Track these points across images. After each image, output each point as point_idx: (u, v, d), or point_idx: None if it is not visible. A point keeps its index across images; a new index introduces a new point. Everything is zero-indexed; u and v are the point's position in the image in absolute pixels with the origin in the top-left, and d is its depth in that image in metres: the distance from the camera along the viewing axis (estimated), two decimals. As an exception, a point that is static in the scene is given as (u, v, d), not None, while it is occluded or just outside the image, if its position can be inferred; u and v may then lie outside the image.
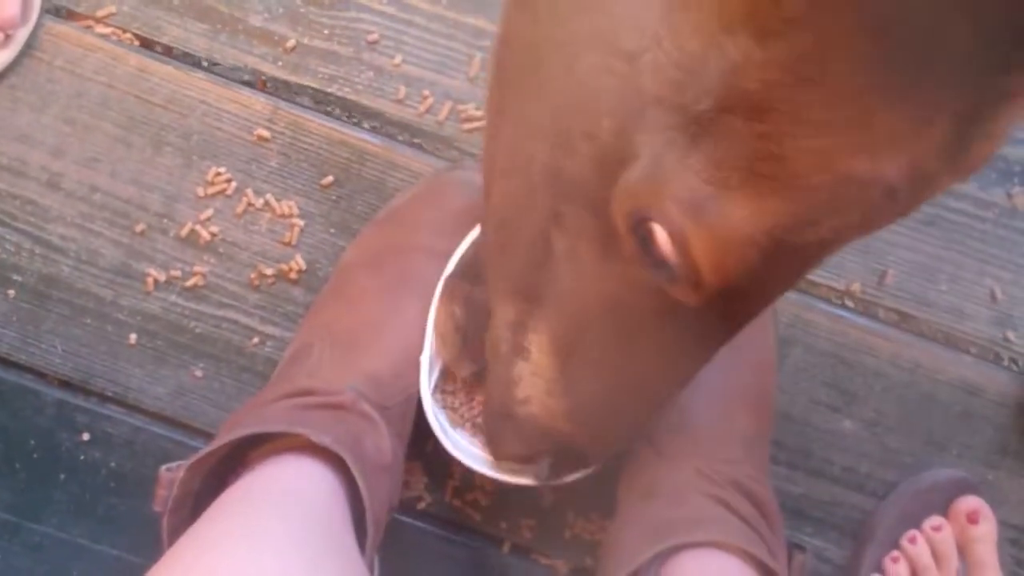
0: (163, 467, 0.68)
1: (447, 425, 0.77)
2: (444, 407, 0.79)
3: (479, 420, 0.80)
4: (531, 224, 0.54)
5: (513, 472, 0.76)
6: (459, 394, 0.80)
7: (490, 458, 0.78)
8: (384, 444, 0.73)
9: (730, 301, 0.47)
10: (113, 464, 0.87)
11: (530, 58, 0.49)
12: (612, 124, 0.44)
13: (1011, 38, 0.35)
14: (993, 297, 0.85)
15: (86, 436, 0.87)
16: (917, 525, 0.83)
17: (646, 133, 0.43)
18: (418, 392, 0.76)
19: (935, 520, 0.83)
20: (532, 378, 0.59)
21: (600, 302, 0.53)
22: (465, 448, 0.77)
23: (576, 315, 0.54)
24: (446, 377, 0.79)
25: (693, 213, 0.42)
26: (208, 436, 0.86)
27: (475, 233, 0.74)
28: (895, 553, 0.83)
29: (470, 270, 0.70)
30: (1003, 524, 0.84)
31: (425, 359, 0.75)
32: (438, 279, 0.74)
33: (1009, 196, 0.85)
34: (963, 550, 0.82)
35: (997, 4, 0.33)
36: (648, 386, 0.56)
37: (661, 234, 0.44)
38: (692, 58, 0.40)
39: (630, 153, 0.44)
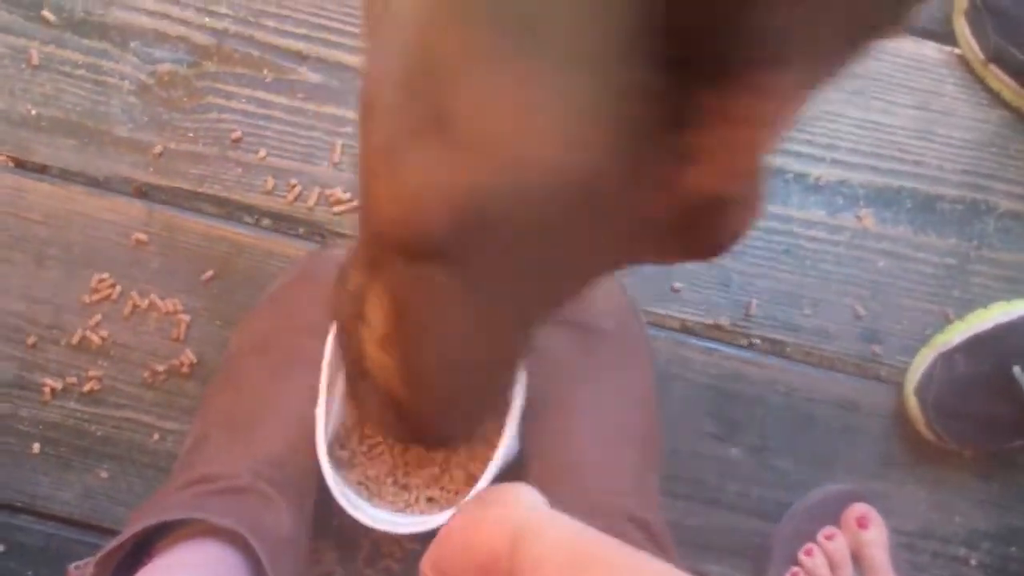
0: (71, 565, 0.71)
1: (343, 484, 0.80)
2: (341, 466, 0.81)
3: (374, 475, 0.83)
4: None
5: (410, 523, 0.78)
6: (357, 453, 0.83)
7: (384, 514, 0.80)
8: (284, 518, 0.75)
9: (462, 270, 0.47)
10: (30, 573, 0.89)
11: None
12: None
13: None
14: (856, 315, 0.89)
15: (0, 548, 0.89)
16: (812, 540, 0.87)
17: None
18: (315, 465, 0.79)
19: (828, 529, 0.86)
20: (371, 343, 0.59)
21: (405, 276, 0.52)
22: (361, 506, 0.79)
23: (394, 284, 0.54)
24: (343, 439, 0.82)
25: (387, 155, 0.43)
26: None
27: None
28: (794, 569, 0.86)
29: None
30: (896, 532, 0.87)
31: (320, 412, 0.77)
32: (321, 354, 0.77)
33: (858, 218, 0.89)
34: (857, 556, 0.85)
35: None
36: (463, 356, 0.57)
37: None
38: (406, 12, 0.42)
39: None
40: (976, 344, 0.87)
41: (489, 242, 0.43)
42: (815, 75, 0.37)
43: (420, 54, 0.40)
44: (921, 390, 0.87)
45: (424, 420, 0.63)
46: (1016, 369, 0.84)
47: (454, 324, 0.52)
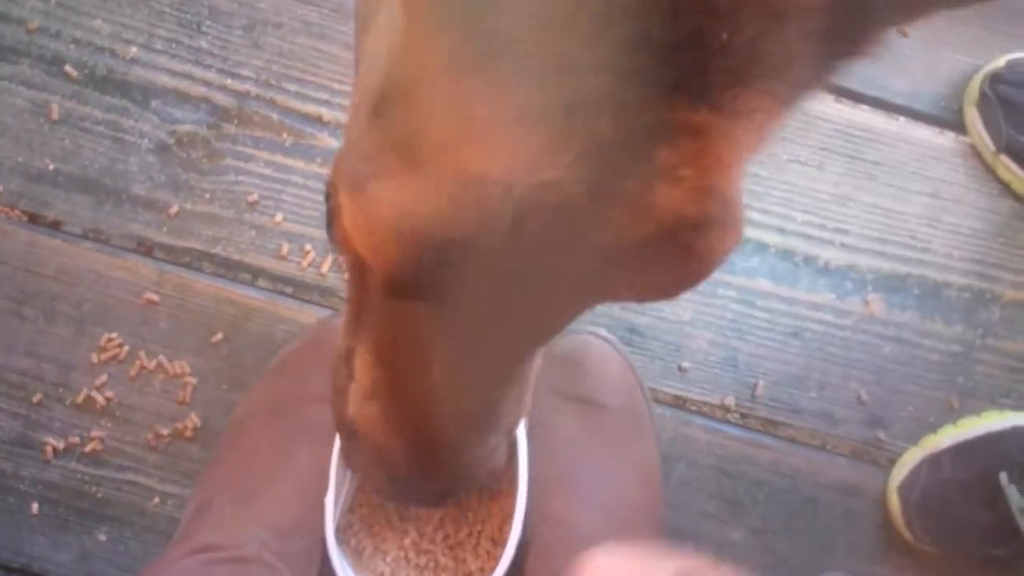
0: None
1: (350, 570, 0.79)
2: (347, 551, 0.81)
3: (387, 564, 0.82)
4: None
5: None
6: (361, 536, 0.82)
7: None
8: (289, 592, 0.75)
9: (435, 301, 0.45)
10: (21, 634, 0.88)
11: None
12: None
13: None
14: (860, 400, 0.90)
15: (-8, 607, 0.88)
16: (811, 627, 0.87)
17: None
18: (321, 537, 0.78)
19: (827, 618, 0.86)
20: (357, 399, 0.58)
21: (381, 315, 0.52)
22: None
23: (373, 330, 0.53)
24: (351, 521, 0.81)
25: (351, 188, 0.42)
26: (116, 599, 0.87)
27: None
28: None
29: None
30: (894, 616, 0.87)
31: (329, 500, 0.77)
32: (330, 423, 0.77)
33: (866, 303, 0.90)
34: (857, 645, 0.85)
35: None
36: (448, 396, 0.53)
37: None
38: (381, 44, 0.42)
39: None
40: (965, 449, 0.87)
41: (463, 272, 0.41)
42: (789, 94, 0.37)
43: (389, 73, 0.40)
44: (904, 489, 0.87)
45: (416, 473, 0.59)
46: (1003, 476, 0.84)
47: (435, 362, 0.49)
